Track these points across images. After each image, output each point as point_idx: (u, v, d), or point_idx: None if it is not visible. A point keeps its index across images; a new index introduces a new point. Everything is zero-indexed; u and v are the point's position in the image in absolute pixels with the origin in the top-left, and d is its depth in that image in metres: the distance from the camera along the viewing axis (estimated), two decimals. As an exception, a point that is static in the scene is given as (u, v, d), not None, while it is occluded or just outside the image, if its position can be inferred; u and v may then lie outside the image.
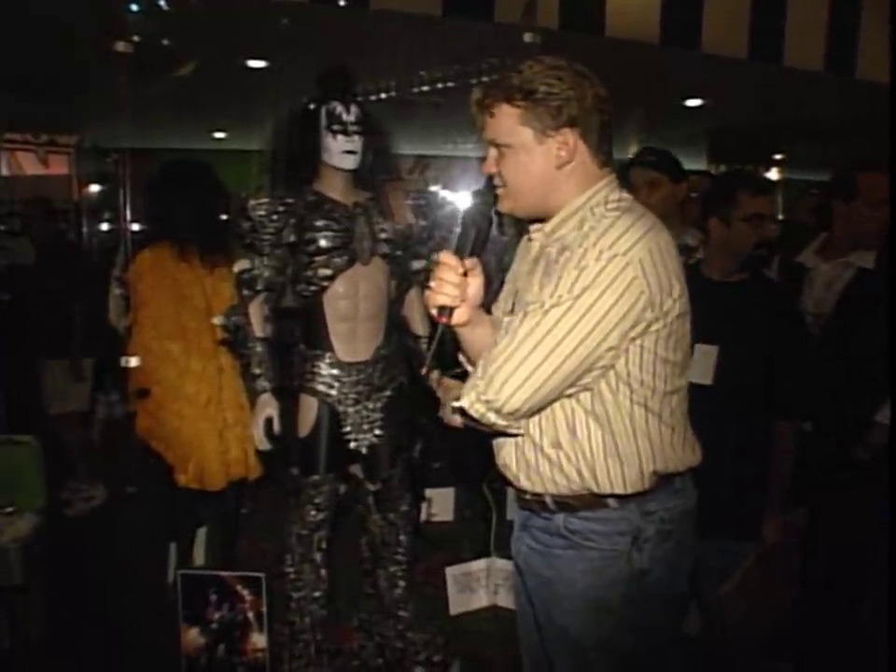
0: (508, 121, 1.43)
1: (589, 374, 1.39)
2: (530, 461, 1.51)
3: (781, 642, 2.34)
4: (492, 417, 1.40)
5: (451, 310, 1.44)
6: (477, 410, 1.41)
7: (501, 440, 1.57)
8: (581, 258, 1.35)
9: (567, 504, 1.50)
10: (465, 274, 1.45)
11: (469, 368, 1.65)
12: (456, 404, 1.46)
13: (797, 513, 2.44)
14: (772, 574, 2.23)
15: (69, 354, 4.36)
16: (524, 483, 1.54)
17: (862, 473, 2.39)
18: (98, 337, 3.99)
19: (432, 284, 1.44)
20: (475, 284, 1.48)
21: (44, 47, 4.68)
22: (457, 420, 1.57)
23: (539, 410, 1.44)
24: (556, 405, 1.45)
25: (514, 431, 1.46)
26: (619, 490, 1.46)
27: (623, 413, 1.45)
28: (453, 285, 1.43)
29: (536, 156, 1.44)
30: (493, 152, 1.48)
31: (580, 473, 1.46)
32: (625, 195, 1.50)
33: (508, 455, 1.56)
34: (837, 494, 2.44)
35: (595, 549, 1.49)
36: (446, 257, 1.44)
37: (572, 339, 1.34)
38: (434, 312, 1.46)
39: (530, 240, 1.58)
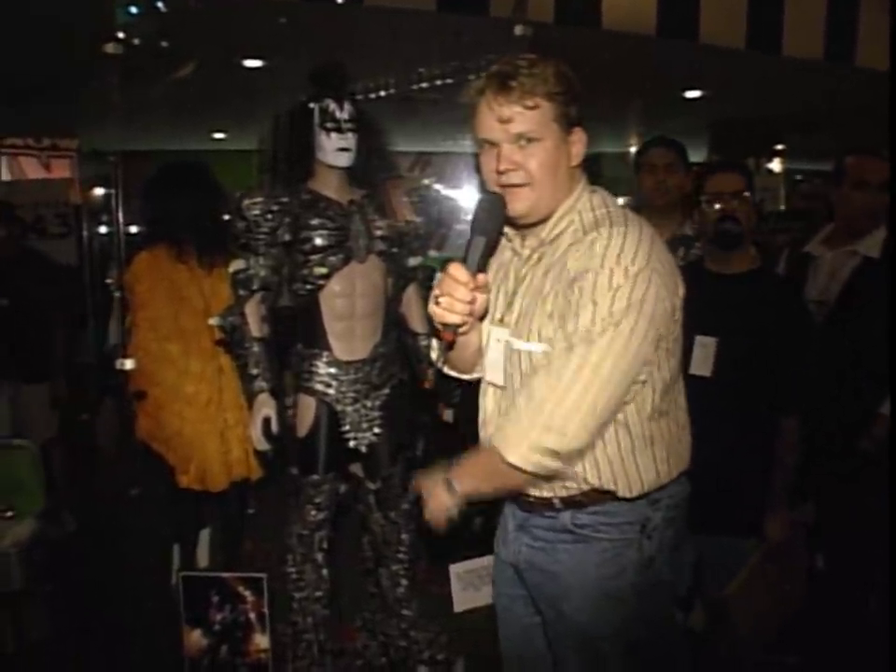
0: (542, 116, 1.39)
1: (630, 391, 1.40)
2: None
3: (786, 636, 2.33)
4: (549, 463, 1.36)
5: (457, 326, 1.39)
6: (534, 463, 1.36)
7: None
8: (609, 279, 1.32)
9: (576, 501, 1.48)
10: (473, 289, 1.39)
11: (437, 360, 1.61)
12: (502, 459, 1.39)
13: (803, 509, 2.42)
14: (777, 572, 2.21)
15: (46, 377, 3.98)
16: (531, 490, 1.51)
17: (866, 465, 2.37)
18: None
19: (441, 300, 1.37)
20: (482, 300, 1.42)
21: (43, 50, 4.68)
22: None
23: None
24: None
25: (566, 470, 1.42)
26: (637, 491, 1.46)
27: (644, 416, 1.45)
28: (463, 303, 1.36)
29: (562, 152, 1.43)
30: (509, 148, 1.41)
31: (592, 478, 1.45)
32: (609, 198, 1.49)
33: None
34: (841, 486, 2.42)
35: (606, 539, 1.48)
36: (456, 271, 1.36)
37: (622, 364, 1.33)
38: (440, 328, 1.40)
39: (522, 245, 1.54)
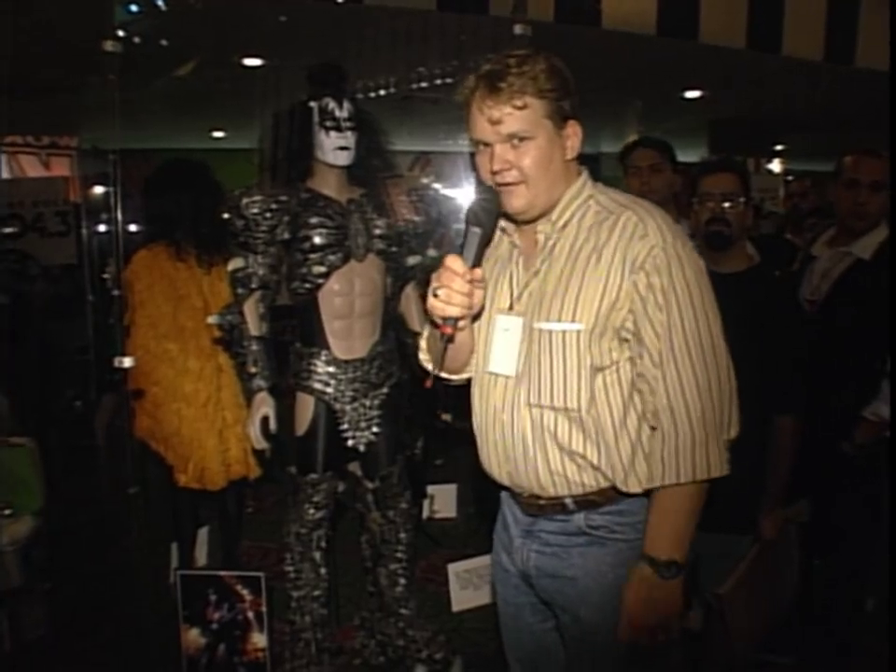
0: (533, 114, 1.38)
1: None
2: (555, 467, 1.44)
3: (781, 635, 2.33)
4: (727, 453, 1.39)
5: (456, 320, 1.37)
6: (725, 461, 1.38)
7: (510, 449, 1.48)
8: (658, 258, 1.34)
9: (590, 501, 1.45)
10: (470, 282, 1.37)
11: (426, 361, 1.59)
12: (694, 481, 1.38)
13: (798, 505, 2.41)
14: (771, 569, 2.21)
15: None
16: (546, 489, 1.47)
17: (853, 468, 2.37)
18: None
19: (440, 293, 1.35)
20: (479, 294, 1.40)
21: (43, 48, 4.68)
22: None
23: (584, 418, 1.41)
24: (608, 408, 1.42)
25: None
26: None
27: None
28: (462, 295, 1.35)
29: (555, 148, 1.42)
30: (501, 148, 1.40)
31: (608, 472, 1.42)
32: (609, 188, 1.50)
33: (528, 461, 1.47)
34: (832, 487, 2.42)
35: (622, 540, 1.46)
36: (454, 263, 1.34)
37: (720, 325, 1.39)
38: (439, 321, 1.38)
39: (535, 232, 1.51)
